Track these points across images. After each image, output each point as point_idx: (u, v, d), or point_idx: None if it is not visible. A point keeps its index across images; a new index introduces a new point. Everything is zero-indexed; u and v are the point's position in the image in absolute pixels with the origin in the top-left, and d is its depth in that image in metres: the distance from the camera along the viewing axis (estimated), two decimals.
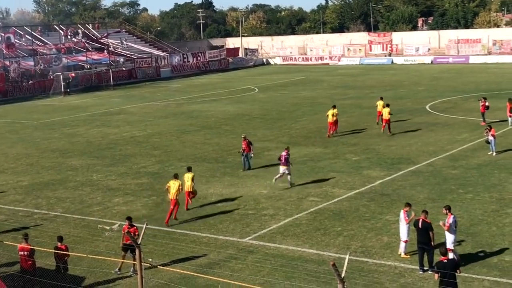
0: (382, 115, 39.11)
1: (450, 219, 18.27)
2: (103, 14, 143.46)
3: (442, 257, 15.67)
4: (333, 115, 38.30)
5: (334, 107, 39.15)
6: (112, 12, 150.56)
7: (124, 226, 19.19)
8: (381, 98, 42.04)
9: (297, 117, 46.90)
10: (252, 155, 31.37)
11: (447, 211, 18.42)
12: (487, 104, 39.45)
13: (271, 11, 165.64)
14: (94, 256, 19.04)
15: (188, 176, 24.85)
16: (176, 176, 24.13)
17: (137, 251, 14.08)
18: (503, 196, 24.81)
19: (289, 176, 27.64)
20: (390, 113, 38.11)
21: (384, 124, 38.33)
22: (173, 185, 23.52)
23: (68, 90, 72.20)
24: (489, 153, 31.68)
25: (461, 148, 33.59)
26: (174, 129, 44.46)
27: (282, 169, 27.61)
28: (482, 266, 18.27)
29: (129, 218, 19.39)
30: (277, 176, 27.64)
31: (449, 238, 18.30)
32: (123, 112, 54.84)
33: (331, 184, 27.91)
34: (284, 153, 27.77)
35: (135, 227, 18.98)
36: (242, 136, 32.03)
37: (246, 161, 31.20)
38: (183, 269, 18.49)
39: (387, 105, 38.98)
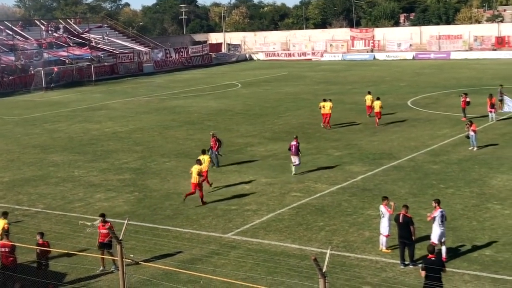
0: (373, 108, 40.23)
1: (435, 213, 18.40)
2: (85, 9, 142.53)
3: (430, 254, 15.59)
4: (330, 107, 39.36)
5: (327, 100, 40.07)
6: (94, 7, 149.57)
7: (98, 225, 19.06)
8: (369, 92, 43.10)
9: (280, 113, 46.95)
10: (221, 154, 31.07)
11: (436, 204, 18.53)
12: (467, 99, 39.72)
13: (254, 7, 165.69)
14: (75, 252, 18.95)
15: (203, 158, 26.54)
16: (198, 162, 25.39)
17: (118, 247, 14.03)
18: (483, 191, 25.03)
19: (297, 164, 28.95)
20: (381, 107, 39.53)
21: (376, 117, 39.72)
22: (195, 169, 24.81)
23: (52, 85, 72.01)
24: (469, 148, 31.93)
25: (442, 144, 33.82)
26: (157, 124, 44.33)
27: (293, 158, 28.87)
28: (462, 260, 18.43)
29: (102, 215, 19.30)
30: (293, 165, 28.98)
31: (434, 232, 18.42)
32: (105, 107, 54.58)
33: (313, 179, 27.99)
34: (294, 143, 28.85)
35: (109, 223, 18.88)
36: (211, 133, 31.92)
37: (215, 158, 30.88)
38: (165, 265, 18.49)
39: (378, 98, 40.28)
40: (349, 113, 44.46)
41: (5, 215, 20.01)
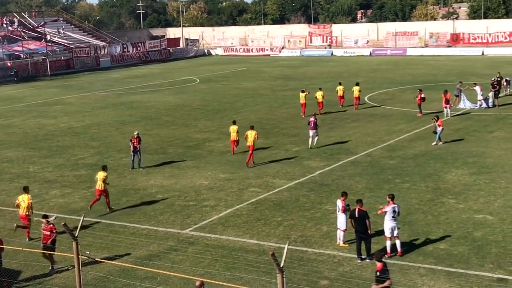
0: (353, 93, 43.89)
1: (386, 207, 18.56)
2: (40, 2, 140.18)
3: (379, 264, 14.62)
4: (322, 96, 42.67)
5: (307, 89, 43.66)
6: (49, 0, 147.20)
7: (44, 228, 18.63)
8: (340, 83, 45.81)
9: (238, 108, 46.92)
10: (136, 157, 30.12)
11: (390, 199, 18.67)
12: (422, 95, 40.27)
13: (212, 2, 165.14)
14: (30, 250, 18.64)
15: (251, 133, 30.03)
16: (252, 127, 30.17)
17: (74, 244, 13.83)
18: (438, 186, 25.41)
19: (316, 138, 32.50)
20: (359, 91, 43.98)
21: (355, 101, 43.93)
22: (250, 135, 29.31)
23: (16, 78, 71.28)
24: (440, 143, 32.25)
25: (398, 139, 34.24)
26: (114, 120, 43.87)
27: (311, 132, 32.35)
28: (418, 254, 18.68)
29: (45, 216, 19.03)
30: (310, 140, 32.57)
31: (386, 226, 18.63)
32: (60, 102, 53.80)
33: (271, 174, 28.04)
34: (312, 119, 32.27)
35: (51, 225, 18.57)
36: (136, 134, 30.51)
37: (138, 159, 29.84)
38: (122, 261, 18.32)
39: (357, 84, 44.56)
40: (307, 108, 44.60)
41: (105, 168, 24.24)
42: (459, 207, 22.78)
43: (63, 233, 17.82)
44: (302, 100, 41.99)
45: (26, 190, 21.71)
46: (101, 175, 23.76)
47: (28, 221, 21.02)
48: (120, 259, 18.66)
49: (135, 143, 29.80)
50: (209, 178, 27.79)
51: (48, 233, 18.36)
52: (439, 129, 32.23)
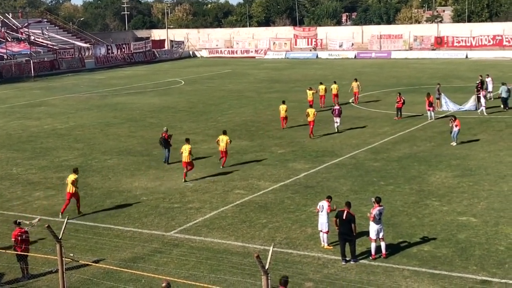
0: (352, 89, 47.51)
1: (374, 210, 18.62)
2: (24, 3, 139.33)
3: None
4: (325, 90, 46.11)
5: (310, 88, 45.38)
6: (33, 1, 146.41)
7: (13, 232, 18.42)
8: (335, 82, 47.65)
9: (223, 110, 46.89)
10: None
11: (376, 202, 18.71)
12: (403, 99, 40.33)
13: (197, 4, 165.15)
14: (13, 252, 18.49)
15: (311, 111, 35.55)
16: (309, 112, 35.17)
17: (57, 246, 13.75)
18: (422, 188, 25.53)
19: (339, 124, 36.55)
20: (358, 86, 47.46)
21: (356, 97, 47.67)
22: (311, 111, 34.94)
23: (2, 79, 71.51)
24: (451, 144, 32.37)
25: (382, 141, 34.37)
26: (98, 121, 43.68)
27: (336, 119, 36.48)
28: (402, 256, 18.75)
29: (17, 222, 18.86)
30: (336, 125, 36.57)
31: (372, 229, 18.68)
32: (44, 104, 53.49)
33: (256, 176, 28.05)
34: (337, 107, 36.85)
35: (21, 229, 18.40)
36: (165, 129, 31.75)
37: (168, 154, 30.96)
38: (106, 264, 18.25)
39: (356, 80, 48.20)
40: (292, 111, 44.65)
41: (188, 140, 28.09)
42: (443, 209, 22.90)
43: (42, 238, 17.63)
44: (309, 97, 43.95)
45: (187, 141, 28.03)
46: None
47: (191, 166, 27.61)
48: (104, 262, 18.58)
49: (167, 138, 30.64)
50: (194, 180, 27.73)
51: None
52: (455, 129, 32.27)
